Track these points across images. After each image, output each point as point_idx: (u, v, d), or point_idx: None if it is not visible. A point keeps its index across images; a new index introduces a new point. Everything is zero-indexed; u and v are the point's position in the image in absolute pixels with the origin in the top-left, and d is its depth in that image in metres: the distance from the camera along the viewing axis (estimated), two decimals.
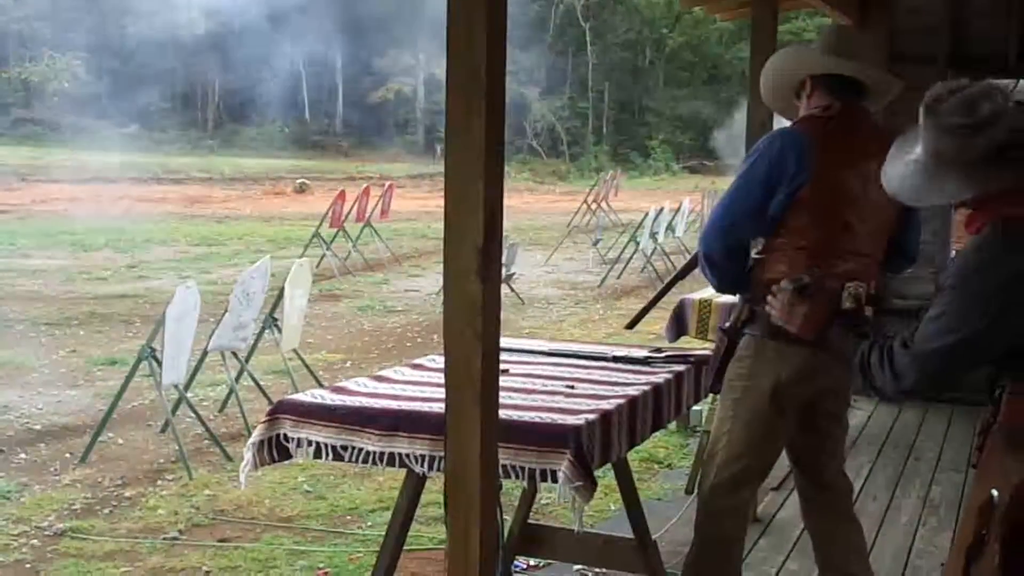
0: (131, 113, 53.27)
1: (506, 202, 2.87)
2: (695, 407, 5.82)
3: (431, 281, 16.06)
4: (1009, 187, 2.78)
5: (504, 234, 2.93)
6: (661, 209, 18.17)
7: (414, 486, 3.72)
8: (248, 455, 3.68)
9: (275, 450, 3.66)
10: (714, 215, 3.91)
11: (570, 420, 3.42)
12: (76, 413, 8.78)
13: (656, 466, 7.38)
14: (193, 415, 7.97)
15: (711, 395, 4.77)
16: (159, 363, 7.38)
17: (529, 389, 3.87)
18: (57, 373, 10.17)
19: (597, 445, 3.45)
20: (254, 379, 8.67)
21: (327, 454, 3.57)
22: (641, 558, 4.32)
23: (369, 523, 6.31)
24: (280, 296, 8.70)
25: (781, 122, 4.25)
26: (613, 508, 6.15)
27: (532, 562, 5.36)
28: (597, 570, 5.20)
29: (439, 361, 3.73)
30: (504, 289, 12.58)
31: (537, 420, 3.42)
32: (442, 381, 2.91)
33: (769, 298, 3.45)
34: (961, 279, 2.80)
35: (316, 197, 31.51)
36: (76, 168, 36.86)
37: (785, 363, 3.83)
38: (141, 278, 16.56)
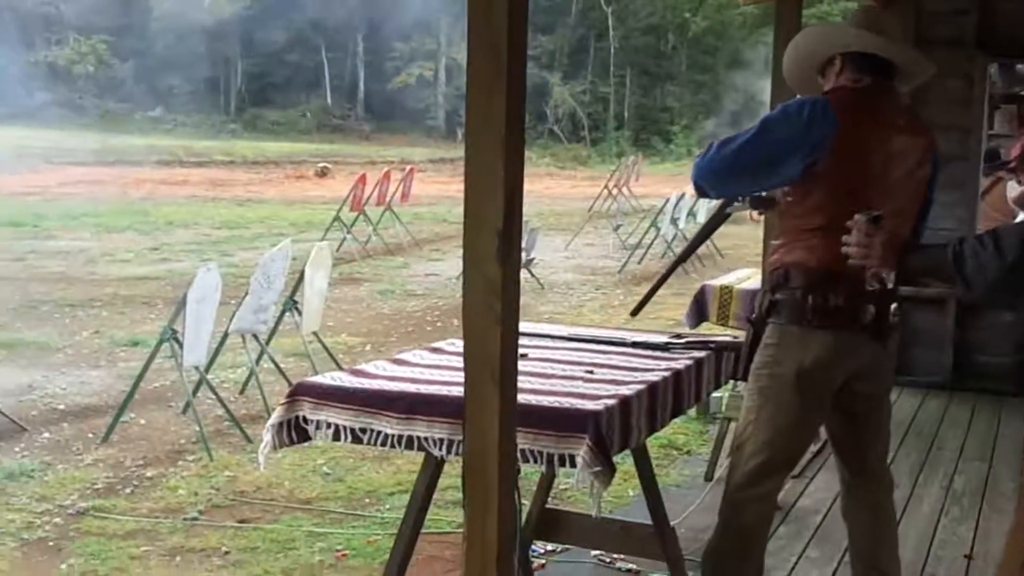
0: (155, 96, 53.43)
1: (527, 187, 2.86)
2: (715, 394, 5.80)
3: (451, 265, 16.05)
4: None
5: (524, 219, 2.92)
6: (682, 195, 18.10)
7: (432, 469, 3.72)
8: (267, 436, 3.68)
9: (294, 432, 3.66)
10: (721, 157, 3.80)
11: (589, 405, 3.41)
12: (98, 393, 8.82)
13: (675, 452, 7.37)
14: (213, 397, 7.99)
15: (731, 382, 4.76)
16: (180, 345, 7.40)
17: (548, 374, 3.86)
18: (80, 354, 10.21)
19: (616, 430, 3.44)
20: (274, 361, 8.69)
21: (346, 436, 3.57)
22: (659, 544, 4.30)
23: (387, 506, 6.32)
24: (300, 279, 8.71)
25: None
26: (631, 494, 6.14)
27: (550, 547, 5.35)
28: (615, 556, 5.19)
29: (458, 345, 3.73)
30: (524, 274, 12.58)
31: (556, 405, 3.42)
32: (461, 365, 2.90)
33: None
34: None
35: (337, 181, 31.53)
36: (100, 151, 36.97)
37: (808, 348, 3.79)
38: (163, 260, 16.61)
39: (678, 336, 4.63)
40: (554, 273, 16.36)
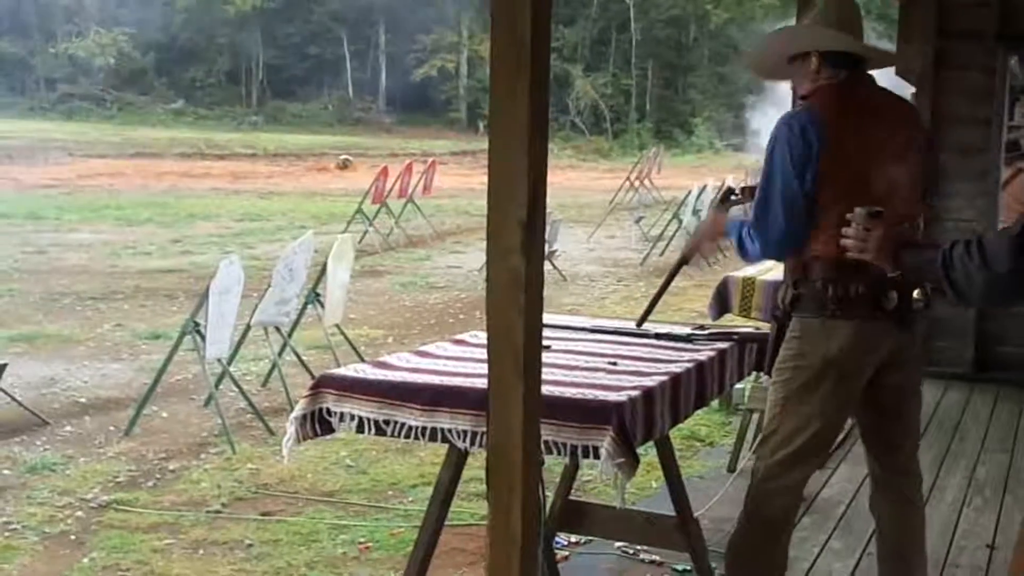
0: (176, 89, 53.58)
1: (549, 179, 2.85)
2: (738, 385, 5.79)
3: (473, 257, 16.05)
4: None
5: (547, 211, 2.92)
6: (704, 187, 18.06)
7: (456, 461, 3.71)
8: (291, 429, 3.69)
9: (317, 424, 3.67)
10: (769, 232, 3.81)
11: (612, 396, 3.40)
12: (120, 386, 8.85)
13: (698, 444, 7.36)
14: (236, 389, 8.01)
15: (754, 373, 4.74)
16: (203, 337, 7.41)
17: (571, 365, 3.86)
18: (102, 346, 10.24)
19: (639, 422, 3.44)
20: (297, 354, 8.70)
21: (369, 428, 3.57)
22: (683, 536, 4.30)
23: (410, 498, 6.33)
24: (323, 271, 8.72)
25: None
26: (655, 485, 6.13)
27: (573, 538, 5.35)
28: (638, 547, 5.19)
29: (481, 337, 3.72)
30: (546, 266, 12.57)
31: (579, 396, 3.41)
32: (484, 357, 2.89)
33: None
34: None
35: (359, 173, 31.55)
36: (121, 143, 37.09)
37: (832, 339, 3.78)
38: (185, 253, 16.65)
39: (701, 327, 4.62)
40: (576, 265, 16.35)
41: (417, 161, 22.25)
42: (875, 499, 4.24)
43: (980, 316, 8.75)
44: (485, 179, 2.81)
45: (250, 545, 5.64)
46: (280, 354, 8.60)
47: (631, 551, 5.22)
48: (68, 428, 7.67)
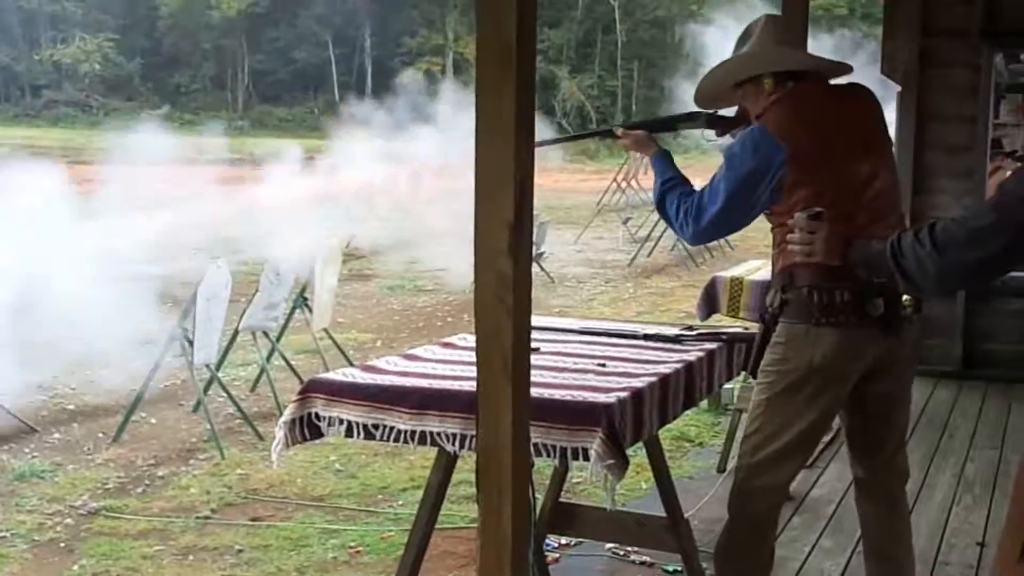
0: (162, 94, 53.52)
1: (535, 181, 2.85)
2: (727, 385, 5.79)
3: (461, 260, 16.01)
4: None
5: (534, 213, 2.91)
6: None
7: (445, 464, 3.71)
8: (280, 434, 3.68)
9: (306, 429, 3.66)
10: (705, 219, 3.85)
11: (601, 398, 3.40)
12: (109, 393, 8.82)
13: (687, 444, 7.37)
14: (225, 395, 8.00)
15: (743, 373, 4.74)
16: (191, 343, 7.40)
17: (560, 367, 3.85)
18: (90, 353, 10.20)
19: (629, 423, 3.44)
20: (285, 358, 8.69)
21: (358, 432, 3.56)
22: (673, 536, 4.30)
23: (400, 502, 6.32)
24: (311, 276, 8.71)
25: None
26: (644, 487, 6.14)
27: (564, 540, 5.35)
28: (629, 548, 5.19)
29: (470, 340, 3.72)
30: (534, 268, 12.56)
31: (568, 398, 3.41)
32: (473, 359, 2.89)
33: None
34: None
35: (346, 177, 31.47)
36: (106, 149, 37.00)
37: (817, 347, 3.77)
38: (172, 258, 16.60)
39: (689, 328, 4.62)
40: (564, 267, 16.36)
41: (404, 164, 22.18)
42: (858, 498, 4.24)
43: (968, 314, 8.77)
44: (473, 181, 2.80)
45: (240, 551, 5.63)
46: (268, 359, 8.59)
47: (622, 552, 5.22)
48: (56, 435, 7.66)
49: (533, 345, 3.10)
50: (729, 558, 4.02)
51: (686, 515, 4.43)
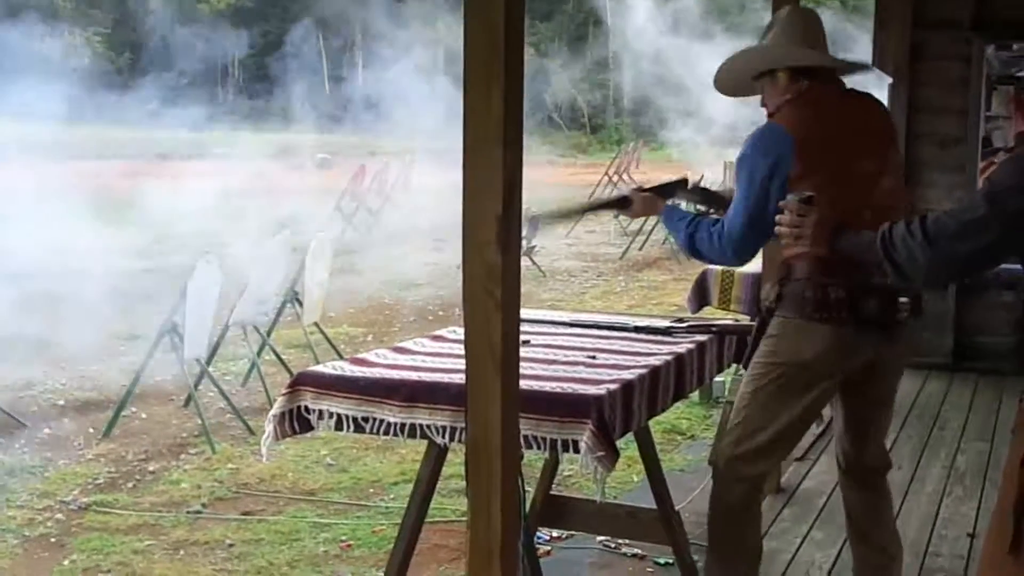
0: (151, 89, 53.39)
1: (527, 175, 2.84)
2: (718, 378, 5.79)
3: (450, 254, 16.01)
4: None
5: (526, 207, 2.91)
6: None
7: (435, 458, 3.71)
8: (269, 427, 3.67)
9: (296, 422, 3.65)
10: (737, 229, 3.81)
11: (592, 390, 3.40)
12: (99, 388, 8.81)
13: (679, 437, 7.37)
14: (215, 389, 7.98)
15: (734, 366, 4.75)
16: (181, 338, 7.39)
17: (550, 360, 3.85)
18: (80, 348, 10.18)
19: (619, 415, 3.44)
20: (276, 353, 8.68)
21: (348, 425, 3.56)
22: (664, 529, 4.31)
23: (391, 495, 6.32)
24: (301, 270, 8.69)
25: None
26: (636, 479, 6.14)
27: (555, 533, 5.35)
28: (620, 541, 5.19)
29: (460, 332, 3.71)
30: (525, 261, 12.57)
31: (558, 390, 3.41)
32: (462, 352, 2.89)
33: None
34: None
35: (337, 171, 31.48)
36: (96, 144, 36.92)
37: (807, 342, 3.77)
38: (162, 253, 16.58)
39: (680, 320, 4.62)
40: (555, 260, 16.35)
41: (394, 158, 22.18)
42: (842, 485, 4.26)
43: (959, 306, 8.78)
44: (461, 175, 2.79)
45: (231, 545, 5.62)
46: (259, 353, 8.58)
47: (613, 545, 5.23)
48: (47, 430, 7.64)
49: (523, 338, 3.10)
50: (713, 546, 4.02)
51: (677, 507, 4.44)
